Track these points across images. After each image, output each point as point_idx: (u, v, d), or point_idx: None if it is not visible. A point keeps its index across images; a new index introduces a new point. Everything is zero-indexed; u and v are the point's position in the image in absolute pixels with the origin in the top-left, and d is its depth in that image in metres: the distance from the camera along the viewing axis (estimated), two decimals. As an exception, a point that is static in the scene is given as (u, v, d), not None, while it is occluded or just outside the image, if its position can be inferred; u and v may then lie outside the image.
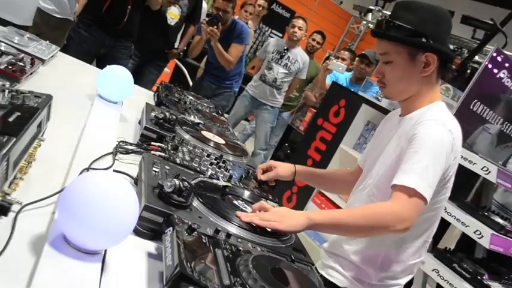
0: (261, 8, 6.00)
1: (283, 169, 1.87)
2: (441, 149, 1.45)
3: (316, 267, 1.32)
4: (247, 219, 1.30)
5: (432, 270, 2.67)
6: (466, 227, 2.65)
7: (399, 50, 1.55)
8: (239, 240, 1.18)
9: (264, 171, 1.84)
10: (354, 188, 1.77)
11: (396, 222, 1.38)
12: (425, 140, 1.44)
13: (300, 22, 5.12)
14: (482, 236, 2.57)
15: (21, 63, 1.86)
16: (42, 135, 1.36)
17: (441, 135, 1.47)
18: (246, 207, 1.43)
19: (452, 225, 2.83)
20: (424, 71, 1.55)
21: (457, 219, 2.68)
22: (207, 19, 4.09)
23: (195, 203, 1.27)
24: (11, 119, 1.07)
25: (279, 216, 1.34)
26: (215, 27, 4.00)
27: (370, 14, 7.00)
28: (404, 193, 1.39)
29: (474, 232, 2.61)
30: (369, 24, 7.85)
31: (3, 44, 1.99)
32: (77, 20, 3.51)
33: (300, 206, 3.68)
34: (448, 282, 2.61)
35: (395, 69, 1.57)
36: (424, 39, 1.52)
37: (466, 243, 3.19)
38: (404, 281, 1.66)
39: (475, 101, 3.01)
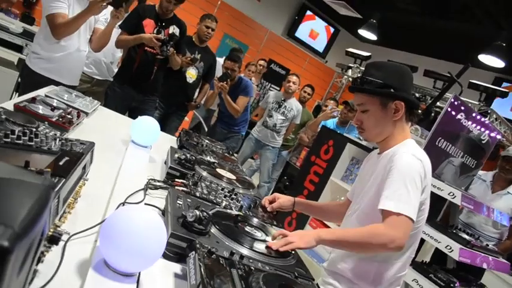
0: (261, 67, 6.10)
1: (285, 200, 1.85)
2: (415, 174, 1.45)
3: (317, 284, 1.29)
4: (275, 247, 1.31)
5: (412, 281, 2.61)
6: (439, 243, 2.61)
7: (373, 101, 1.58)
8: (251, 260, 1.16)
9: (270, 201, 1.82)
10: (346, 213, 1.75)
11: (391, 242, 1.38)
12: (401, 169, 1.45)
13: (294, 78, 5.18)
14: (452, 250, 2.53)
15: (69, 116, 1.87)
16: (86, 176, 1.35)
17: (413, 162, 1.47)
18: (255, 233, 1.41)
19: (427, 241, 2.79)
20: (394, 116, 1.57)
21: (431, 237, 2.65)
22: (218, 77, 4.15)
23: (213, 230, 1.25)
24: (61, 163, 1.06)
25: (297, 237, 1.37)
26: (225, 83, 4.06)
27: (350, 70, 7.08)
28: (393, 217, 1.39)
29: (445, 247, 2.57)
30: (350, 78, 7.92)
31: (55, 100, 2.01)
32: (112, 80, 3.56)
33: (299, 228, 3.63)
34: (425, 290, 2.55)
35: (371, 116, 1.59)
36: (392, 90, 1.54)
37: (439, 256, 3.13)
38: None
39: (440, 138, 3.00)
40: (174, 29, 3.43)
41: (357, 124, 1.66)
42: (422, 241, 2.90)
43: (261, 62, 6.12)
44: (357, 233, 1.45)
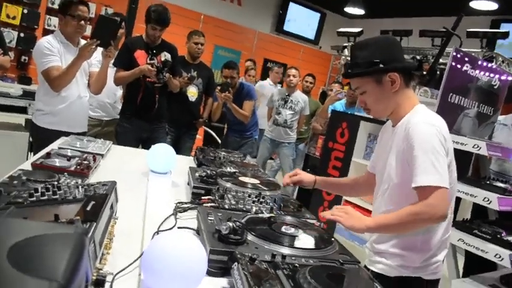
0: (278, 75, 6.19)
1: (306, 176, 1.92)
2: (434, 141, 1.45)
3: (365, 265, 1.29)
4: (326, 215, 1.45)
5: (458, 240, 2.58)
6: (475, 197, 2.58)
7: (366, 81, 1.59)
8: (293, 258, 1.16)
9: (291, 176, 1.91)
10: (374, 194, 1.74)
11: (434, 216, 1.40)
12: (420, 142, 1.45)
13: (293, 71, 5.18)
14: (491, 201, 2.49)
15: (86, 162, 1.90)
16: (115, 215, 1.37)
17: (429, 130, 1.47)
18: (291, 230, 1.40)
19: (463, 199, 2.75)
20: (393, 88, 1.57)
21: (466, 193, 2.61)
22: (219, 88, 4.17)
23: (249, 237, 1.25)
24: (88, 208, 1.08)
25: (348, 214, 1.46)
26: (227, 92, 4.08)
27: (346, 49, 7.03)
28: (427, 191, 1.40)
29: (483, 200, 2.53)
30: (348, 58, 7.87)
31: (69, 150, 2.05)
32: (119, 116, 3.60)
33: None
34: (473, 246, 2.52)
35: (371, 96, 1.60)
36: (381, 65, 1.54)
37: (479, 211, 3.08)
38: (442, 256, 1.61)
39: (450, 94, 2.97)
40: (165, 56, 3.47)
41: (362, 106, 1.68)
42: (459, 199, 2.87)
43: (277, 69, 6.22)
44: (399, 216, 1.45)
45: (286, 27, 9.03)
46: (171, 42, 3.65)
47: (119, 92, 3.76)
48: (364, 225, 1.45)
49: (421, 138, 1.45)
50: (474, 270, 2.82)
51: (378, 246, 1.63)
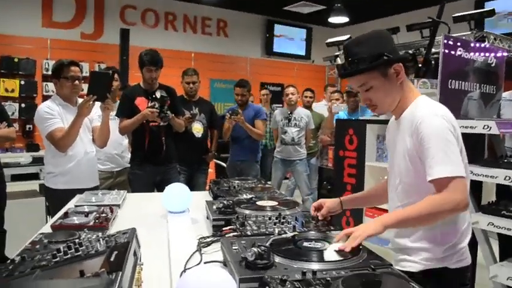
0: (266, 96, 6.20)
1: (331, 203, 1.82)
2: (444, 132, 1.44)
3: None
4: (347, 248, 1.31)
5: (488, 225, 2.52)
6: (496, 178, 2.53)
7: (372, 76, 1.53)
8: (324, 272, 1.14)
9: (316, 209, 1.80)
10: (389, 191, 1.72)
11: (455, 206, 1.38)
12: (430, 134, 1.43)
13: (290, 89, 5.23)
14: (513, 179, 2.44)
15: (104, 215, 1.91)
16: (140, 261, 1.36)
17: (437, 121, 1.45)
18: (317, 244, 1.39)
19: (484, 182, 2.70)
20: (398, 79, 1.55)
21: (486, 176, 2.56)
22: (229, 114, 4.31)
23: (277, 259, 1.23)
24: (112, 259, 1.08)
25: (361, 230, 1.38)
26: (238, 115, 4.25)
27: (338, 58, 7.08)
28: (445, 182, 1.39)
29: (504, 179, 2.48)
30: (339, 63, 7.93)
31: (85, 207, 2.06)
32: (130, 164, 3.63)
33: (357, 224, 3.54)
34: (505, 228, 2.46)
35: (378, 91, 1.55)
36: (385, 57, 1.51)
37: (504, 191, 3.02)
38: (465, 243, 1.57)
39: (450, 80, 2.96)
40: (161, 92, 3.50)
41: (366, 103, 1.63)
42: (480, 183, 2.82)
43: (263, 91, 6.22)
44: (418, 209, 1.42)
45: (276, 48, 9.15)
46: (168, 85, 3.70)
47: (125, 141, 3.80)
48: (381, 225, 1.40)
49: (432, 131, 1.43)
50: (510, 252, 2.75)
51: (399, 241, 1.60)
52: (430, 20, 3.71)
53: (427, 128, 1.44)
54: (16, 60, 6.28)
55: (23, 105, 6.33)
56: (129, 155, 3.74)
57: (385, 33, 1.61)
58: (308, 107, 5.68)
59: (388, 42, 1.58)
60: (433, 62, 3.69)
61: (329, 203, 1.81)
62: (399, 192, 1.60)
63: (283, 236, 1.48)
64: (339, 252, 1.29)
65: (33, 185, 4.21)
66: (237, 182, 2.67)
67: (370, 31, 1.59)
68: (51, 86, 6.25)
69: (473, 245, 2.94)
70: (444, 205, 1.38)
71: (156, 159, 3.53)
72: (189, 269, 1.32)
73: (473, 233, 2.77)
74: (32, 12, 6.68)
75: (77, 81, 2.89)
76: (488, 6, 6.13)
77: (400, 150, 1.56)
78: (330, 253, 1.30)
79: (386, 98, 1.57)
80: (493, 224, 2.49)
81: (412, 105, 1.56)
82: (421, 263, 1.53)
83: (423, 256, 1.54)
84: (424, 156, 1.44)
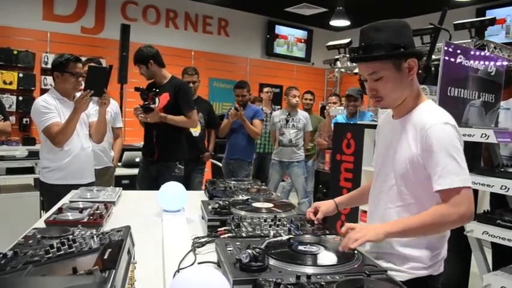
0: (269, 94, 6.22)
1: (327, 206, 1.82)
2: (454, 141, 1.42)
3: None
4: (344, 248, 1.32)
5: (482, 234, 2.52)
6: (492, 187, 2.53)
7: (385, 66, 1.47)
8: (318, 277, 1.13)
9: (313, 214, 1.79)
10: (372, 189, 1.69)
11: (461, 218, 1.38)
12: (441, 144, 1.40)
13: (294, 91, 5.27)
14: (509, 189, 2.45)
15: (98, 211, 1.90)
16: (134, 259, 1.35)
17: (448, 130, 1.43)
18: (312, 248, 1.38)
19: (480, 190, 2.70)
20: (410, 74, 1.50)
21: (482, 184, 2.57)
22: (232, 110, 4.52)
23: (271, 261, 1.23)
24: (106, 256, 1.07)
25: (362, 233, 1.36)
26: (239, 112, 4.47)
27: (338, 62, 7.10)
28: (453, 193, 1.38)
29: (500, 188, 2.49)
30: (341, 70, 7.93)
31: (80, 203, 2.04)
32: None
33: (353, 229, 3.54)
34: (499, 237, 2.47)
35: (388, 82, 1.48)
36: (402, 49, 1.46)
37: (498, 200, 3.03)
38: (445, 250, 1.58)
39: (449, 87, 2.96)
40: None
41: (372, 94, 1.54)
42: (475, 192, 2.82)
43: (266, 89, 6.23)
44: (422, 219, 1.41)
45: (276, 49, 9.14)
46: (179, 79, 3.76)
47: (110, 138, 3.75)
48: (383, 233, 1.38)
49: (443, 141, 1.41)
50: (504, 262, 2.75)
51: (384, 248, 1.56)
52: (432, 26, 3.72)
53: (437, 138, 1.41)
54: (15, 52, 6.25)
55: (20, 98, 6.30)
56: (112, 153, 3.72)
57: (406, 24, 1.53)
58: (308, 110, 5.69)
59: (407, 35, 1.51)
60: (433, 68, 3.69)
61: (324, 206, 1.81)
62: (393, 193, 1.56)
63: (278, 238, 1.47)
64: (333, 256, 1.29)
65: (28, 180, 4.19)
66: (233, 182, 2.66)
67: (394, 19, 1.52)
68: (49, 79, 6.21)
69: (467, 253, 2.96)
70: (449, 216, 1.38)
71: (150, 155, 3.56)
72: (182, 269, 1.31)
73: (467, 242, 2.79)
74: (33, 5, 6.65)
75: (80, 78, 2.89)
76: (489, 15, 6.16)
77: (401, 153, 1.52)
78: (325, 257, 1.29)
79: (394, 92, 1.51)
80: (487, 233, 2.50)
81: (420, 109, 1.52)
82: (408, 272, 1.51)
83: (411, 265, 1.52)
84: (431, 164, 1.41)
